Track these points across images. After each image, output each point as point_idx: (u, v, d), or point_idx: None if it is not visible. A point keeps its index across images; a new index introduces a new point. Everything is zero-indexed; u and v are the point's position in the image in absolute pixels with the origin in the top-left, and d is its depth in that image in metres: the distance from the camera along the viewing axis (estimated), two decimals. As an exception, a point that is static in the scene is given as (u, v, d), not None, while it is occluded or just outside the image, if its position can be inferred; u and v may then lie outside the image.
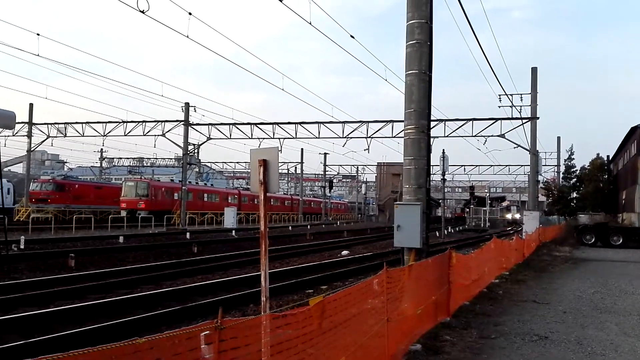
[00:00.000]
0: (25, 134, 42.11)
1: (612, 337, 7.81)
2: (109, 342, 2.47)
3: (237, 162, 73.60)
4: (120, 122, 40.09)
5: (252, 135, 39.32)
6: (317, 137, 38.82)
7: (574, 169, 51.11)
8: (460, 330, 7.89)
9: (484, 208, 65.21)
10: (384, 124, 37.53)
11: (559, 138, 52.42)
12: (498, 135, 33.67)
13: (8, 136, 41.93)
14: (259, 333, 3.35)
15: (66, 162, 76.83)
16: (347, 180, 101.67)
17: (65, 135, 42.15)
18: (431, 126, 10.74)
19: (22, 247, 18.77)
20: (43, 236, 25.09)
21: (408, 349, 6.38)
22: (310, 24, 17.99)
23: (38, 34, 25.61)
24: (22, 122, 41.25)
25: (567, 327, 8.40)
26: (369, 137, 38.24)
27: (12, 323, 7.98)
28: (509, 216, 74.18)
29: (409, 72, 10.11)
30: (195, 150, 43.22)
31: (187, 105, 38.78)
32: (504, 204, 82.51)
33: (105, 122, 40.42)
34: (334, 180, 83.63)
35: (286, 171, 78.16)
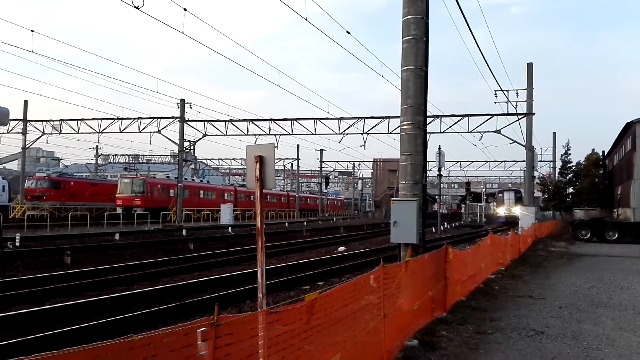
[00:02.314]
0: (20, 131, 41.98)
1: (607, 331, 7.84)
2: (106, 339, 2.46)
3: (233, 159, 73.34)
4: (115, 119, 39.99)
5: (248, 131, 39.28)
6: (313, 134, 38.86)
7: (570, 165, 51.33)
8: (457, 325, 7.90)
9: (480, 204, 65.17)
10: (380, 120, 37.54)
11: (554, 134, 52.97)
12: (494, 131, 33.72)
13: (3, 133, 41.95)
14: (255, 329, 3.35)
15: (61, 159, 76.54)
16: (344, 176, 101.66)
17: (60, 132, 42.05)
18: (427, 122, 10.75)
19: (17, 244, 18.72)
20: (38, 233, 25.01)
21: (404, 344, 6.38)
22: (306, 19, 17.98)
23: (32, 30, 25.44)
24: (16, 119, 41.13)
25: (563, 322, 8.44)
26: (365, 133, 38.27)
27: (8, 320, 7.96)
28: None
29: (405, 67, 10.12)
30: (191, 147, 43.14)
31: (182, 101, 38.69)
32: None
33: (101, 119, 40.31)
34: (330, 177, 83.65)
35: (282, 167, 78.15)
